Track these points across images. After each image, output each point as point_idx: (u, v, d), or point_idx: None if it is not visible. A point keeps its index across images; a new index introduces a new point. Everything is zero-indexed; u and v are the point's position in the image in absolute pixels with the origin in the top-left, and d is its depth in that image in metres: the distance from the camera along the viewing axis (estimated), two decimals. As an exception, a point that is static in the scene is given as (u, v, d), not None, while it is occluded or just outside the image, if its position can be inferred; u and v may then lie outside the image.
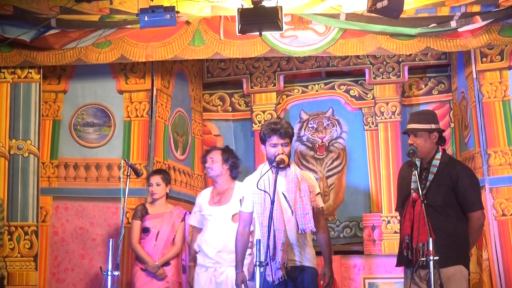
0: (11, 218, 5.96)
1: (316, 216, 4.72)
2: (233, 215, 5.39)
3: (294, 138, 7.13)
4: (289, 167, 4.72)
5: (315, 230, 4.66)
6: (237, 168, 5.62)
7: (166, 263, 5.67)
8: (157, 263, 5.61)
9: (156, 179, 5.83)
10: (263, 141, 4.72)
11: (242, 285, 4.76)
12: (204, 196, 5.65)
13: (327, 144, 7.24)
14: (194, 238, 5.65)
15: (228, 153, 5.60)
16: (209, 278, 5.40)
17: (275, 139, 4.65)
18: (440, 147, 4.60)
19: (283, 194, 4.66)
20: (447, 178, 4.48)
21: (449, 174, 4.49)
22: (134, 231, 5.76)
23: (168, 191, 5.86)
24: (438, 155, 4.56)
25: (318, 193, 4.85)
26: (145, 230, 5.76)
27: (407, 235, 4.45)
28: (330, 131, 7.25)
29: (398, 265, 4.67)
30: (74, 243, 6.32)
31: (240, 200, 4.89)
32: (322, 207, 4.86)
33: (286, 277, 4.55)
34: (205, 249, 5.43)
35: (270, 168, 4.64)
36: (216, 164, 5.54)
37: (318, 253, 4.84)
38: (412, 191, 4.49)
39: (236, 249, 4.86)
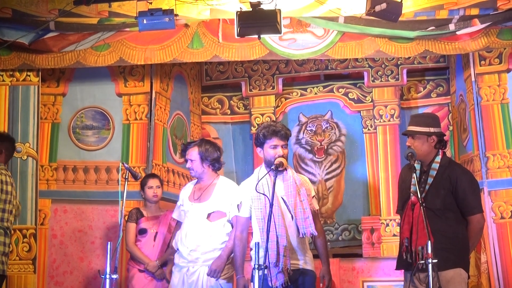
0: (9, 221, 5.96)
1: (313, 219, 4.73)
2: (209, 214, 5.15)
3: (293, 141, 7.19)
4: (286, 171, 4.72)
5: (316, 234, 4.66)
6: (218, 161, 5.29)
7: (164, 263, 5.67)
8: (157, 262, 5.62)
9: (156, 182, 5.85)
10: (261, 143, 4.72)
11: None
12: (186, 190, 5.39)
13: (325, 147, 7.24)
14: (174, 234, 5.47)
15: (204, 151, 5.21)
16: (181, 278, 5.14)
17: (275, 141, 4.65)
18: (440, 151, 4.59)
19: (282, 198, 4.66)
20: (447, 181, 4.48)
21: (448, 177, 4.49)
22: (130, 233, 5.76)
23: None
24: (438, 158, 4.55)
25: (313, 196, 4.86)
26: (141, 232, 5.77)
27: (406, 238, 4.45)
28: (329, 134, 7.25)
29: (397, 268, 4.66)
30: (73, 246, 6.32)
31: (238, 205, 4.87)
32: (317, 210, 4.87)
33: (289, 283, 4.56)
34: (180, 248, 5.20)
35: (268, 172, 4.64)
36: (196, 163, 5.24)
37: (314, 256, 4.84)
38: (411, 194, 4.50)
39: (235, 255, 4.85)
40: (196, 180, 5.38)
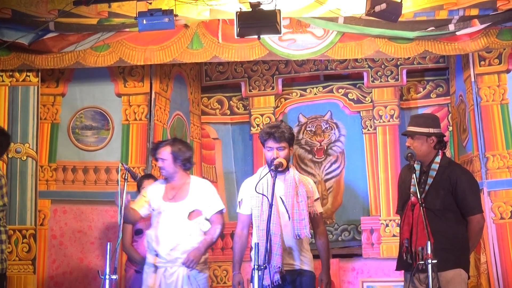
0: (9, 222, 5.93)
1: (315, 222, 4.74)
2: (190, 213, 5.06)
3: (293, 141, 7.15)
4: (288, 171, 4.72)
5: (310, 236, 4.67)
6: (190, 161, 5.18)
7: None
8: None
9: (151, 182, 5.83)
10: (262, 144, 4.76)
11: (239, 286, 4.75)
12: (157, 190, 5.22)
13: (325, 148, 7.25)
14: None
15: (177, 151, 5.11)
16: (158, 279, 5.03)
17: (270, 143, 4.67)
18: (440, 151, 4.59)
19: (281, 198, 4.66)
20: (446, 181, 4.48)
21: (448, 178, 4.48)
22: (126, 234, 5.73)
23: None
24: (438, 159, 4.55)
25: (317, 199, 4.85)
26: (138, 232, 5.75)
27: (406, 239, 4.45)
28: (329, 135, 7.25)
29: (398, 269, 4.66)
30: (73, 246, 6.32)
31: (239, 202, 4.88)
32: (321, 213, 4.86)
33: (282, 281, 4.55)
34: (156, 248, 5.06)
35: (269, 171, 4.65)
36: (167, 163, 5.12)
37: (315, 257, 4.84)
38: (411, 194, 4.49)
39: (234, 251, 4.86)
40: (163, 180, 5.27)
